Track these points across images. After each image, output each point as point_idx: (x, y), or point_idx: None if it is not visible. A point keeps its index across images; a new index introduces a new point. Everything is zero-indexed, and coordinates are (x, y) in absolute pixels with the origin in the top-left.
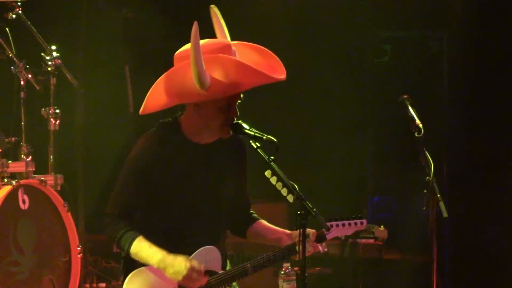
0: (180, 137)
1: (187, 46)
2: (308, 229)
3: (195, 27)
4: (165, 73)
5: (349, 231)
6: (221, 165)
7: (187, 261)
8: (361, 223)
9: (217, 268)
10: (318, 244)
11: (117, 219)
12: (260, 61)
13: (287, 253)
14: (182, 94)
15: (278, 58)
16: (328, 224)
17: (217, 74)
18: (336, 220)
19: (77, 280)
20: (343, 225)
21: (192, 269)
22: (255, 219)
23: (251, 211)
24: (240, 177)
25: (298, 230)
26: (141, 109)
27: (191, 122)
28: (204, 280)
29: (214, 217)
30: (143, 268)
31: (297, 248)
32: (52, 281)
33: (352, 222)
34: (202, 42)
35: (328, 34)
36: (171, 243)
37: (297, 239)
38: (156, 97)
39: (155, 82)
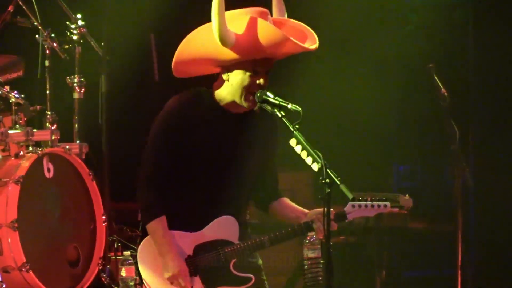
0: (211, 101)
1: (226, 12)
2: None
3: None
4: (192, 32)
5: (372, 212)
6: (251, 136)
7: (179, 268)
8: (385, 205)
9: (234, 238)
10: (335, 224)
11: (147, 185)
12: (292, 30)
13: (304, 230)
14: (209, 53)
15: (311, 30)
16: (350, 204)
17: (245, 35)
18: (359, 200)
19: (102, 248)
20: (366, 206)
21: (178, 276)
22: (279, 196)
23: (278, 188)
24: (270, 153)
25: (315, 210)
26: (172, 68)
27: (222, 89)
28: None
29: (238, 187)
30: None
31: (313, 225)
32: (77, 249)
33: (375, 204)
34: (242, 9)
35: (353, 4)
36: (194, 208)
37: (313, 217)
38: (186, 57)
39: (183, 41)
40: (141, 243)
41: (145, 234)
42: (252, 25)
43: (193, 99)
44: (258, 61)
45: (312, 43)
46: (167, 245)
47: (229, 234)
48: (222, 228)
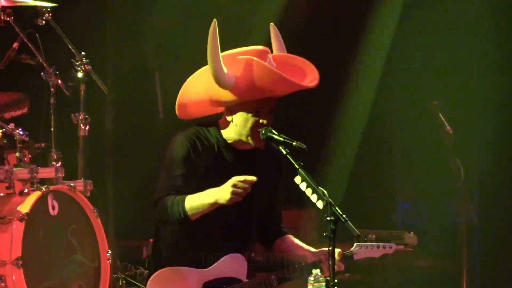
0: (218, 139)
1: (226, 52)
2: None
3: (213, 25)
4: (192, 75)
5: (377, 253)
6: (257, 173)
7: (228, 183)
8: (390, 247)
9: (242, 276)
10: (342, 264)
11: (162, 201)
12: (292, 68)
13: (311, 269)
14: (210, 95)
15: (312, 65)
16: (357, 245)
17: (243, 76)
18: (364, 239)
19: (107, 286)
20: (372, 247)
21: (232, 186)
22: (284, 233)
23: (282, 225)
24: (274, 190)
25: (322, 249)
26: (176, 111)
27: (228, 129)
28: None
29: (245, 224)
30: (166, 268)
31: (321, 265)
32: (81, 286)
33: (380, 245)
34: (243, 48)
35: (358, 39)
36: (202, 244)
37: (321, 257)
38: (188, 100)
39: (184, 84)
40: (150, 279)
41: (152, 270)
42: (249, 66)
43: (199, 133)
44: (259, 101)
45: (312, 79)
46: (208, 192)
47: (237, 271)
48: (231, 265)
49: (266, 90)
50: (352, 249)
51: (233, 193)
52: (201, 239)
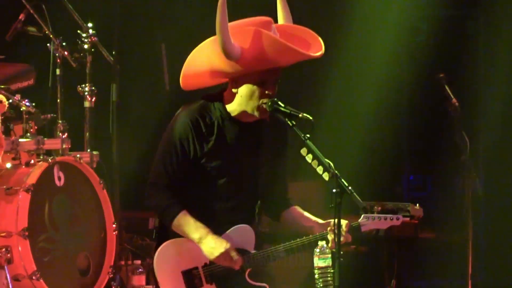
0: (222, 112)
1: (231, 23)
2: (342, 220)
3: None
4: (198, 46)
5: (384, 225)
6: (262, 145)
7: (227, 243)
8: (397, 218)
9: (250, 247)
10: (349, 235)
11: (161, 190)
12: (296, 38)
13: (318, 240)
14: (215, 67)
15: (316, 35)
16: (364, 216)
17: (249, 47)
18: (372, 213)
19: (112, 257)
20: (379, 218)
21: (229, 250)
22: (291, 205)
23: (288, 197)
24: (280, 161)
25: (330, 221)
26: (180, 82)
27: (232, 98)
28: (238, 263)
29: (252, 195)
30: (174, 239)
31: (329, 237)
32: (87, 257)
33: (388, 216)
34: (247, 19)
35: (366, 13)
36: (209, 217)
37: (328, 228)
38: (193, 71)
39: (189, 55)
40: (158, 250)
41: (160, 241)
42: (255, 37)
43: (205, 108)
44: (264, 72)
45: (317, 49)
46: (202, 228)
47: (245, 243)
48: (239, 237)
49: (272, 60)
50: (359, 220)
51: (219, 258)
52: (208, 212)
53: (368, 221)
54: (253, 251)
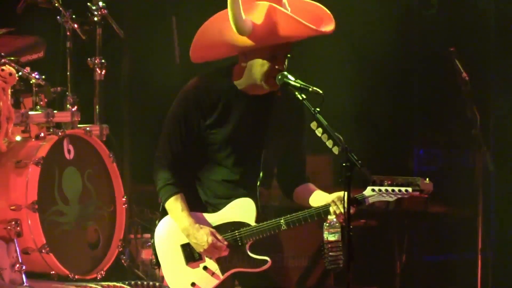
0: (229, 84)
1: None
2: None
3: None
4: (209, 19)
5: (392, 197)
6: (272, 119)
7: (209, 235)
8: (406, 190)
9: (251, 221)
10: (353, 208)
11: (164, 167)
12: (307, 14)
13: (322, 214)
14: (226, 40)
15: (327, 11)
16: (370, 188)
17: (261, 22)
18: (380, 183)
19: (122, 230)
20: (386, 191)
21: (213, 245)
22: (304, 181)
23: (304, 174)
24: (294, 136)
25: (334, 193)
26: (190, 54)
27: (241, 72)
28: (225, 252)
29: (252, 169)
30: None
31: (331, 209)
32: (97, 231)
33: (396, 189)
34: None
35: None
36: (212, 189)
37: (329, 200)
38: (204, 44)
39: (200, 28)
40: (159, 223)
41: (163, 214)
42: (267, 12)
43: (210, 82)
44: (275, 46)
45: (328, 25)
46: (186, 218)
47: (246, 216)
48: (240, 210)
49: (283, 36)
50: (364, 192)
51: (206, 254)
52: (211, 184)
53: (374, 193)
54: (253, 224)
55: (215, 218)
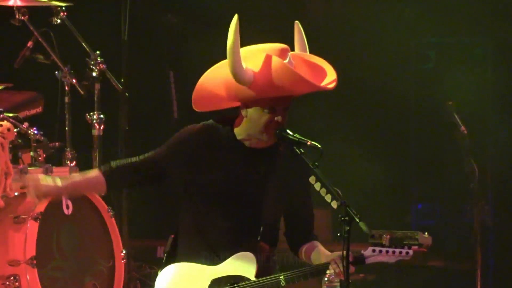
0: (228, 134)
1: (246, 47)
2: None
3: (235, 19)
4: (212, 68)
5: (392, 259)
6: (272, 174)
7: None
8: (407, 253)
9: (250, 275)
10: (353, 267)
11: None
12: (310, 69)
13: (321, 271)
14: (228, 89)
15: (330, 66)
16: (371, 248)
17: (262, 73)
18: (382, 245)
19: (121, 285)
20: (387, 252)
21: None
22: (311, 240)
23: (311, 231)
24: (298, 193)
25: (335, 252)
26: (192, 102)
27: (240, 123)
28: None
29: (250, 223)
30: (177, 263)
31: (330, 267)
32: (95, 286)
33: (397, 250)
34: (263, 44)
35: (373, 40)
36: (212, 241)
37: (329, 259)
38: (205, 93)
39: (202, 76)
40: (160, 272)
41: (165, 264)
42: (268, 63)
43: (210, 128)
44: (275, 99)
45: (330, 81)
46: (58, 179)
47: (246, 270)
48: (240, 264)
49: (284, 89)
50: (364, 252)
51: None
52: (211, 237)
53: (374, 254)
54: (253, 279)
55: (215, 270)
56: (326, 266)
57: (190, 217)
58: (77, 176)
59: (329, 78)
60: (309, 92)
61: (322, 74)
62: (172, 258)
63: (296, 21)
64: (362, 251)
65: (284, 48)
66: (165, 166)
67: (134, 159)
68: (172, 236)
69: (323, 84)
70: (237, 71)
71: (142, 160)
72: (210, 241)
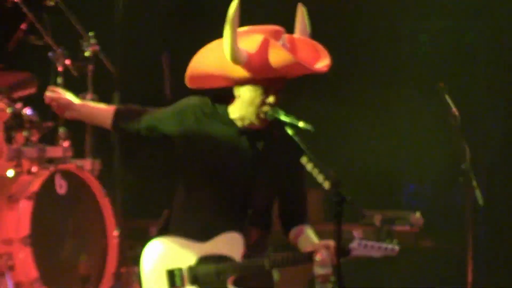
0: (223, 112)
1: (241, 28)
2: (330, 241)
3: (235, 2)
4: (208, 45)
5: (378, 253)
6: (265, 156)
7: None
8: (392, 249)
9: (237, 256)
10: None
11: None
12: (305, 51)
13: (306, 259)
14: (220, 69)
15: (324, 49)
16: (357, 241)
17: (256, 54)
18: (367, 239)
19: (114, 264)
20: (372, 247)
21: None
22: (302, 223)
23: (302, 214)
24: (291, 177)
25: (322, 241)
26: (186, 80)
27: (234, 104)
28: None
29: (246, 205)
30: (163, 238)
31: (315, 257)
32: (89, 265)
33: (383, 246)
34: (256, 26)
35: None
36: (201, 218)
37: (316, 247)
38: (199, 71)
39: (196, 55)
40: (147, 246)
41: (159, 235)
42: (263, 45)
43: (207, 104)
44: (269, 80)
45: (324, 64)
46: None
47: (232, 250)
48: (227, 244)
49: (277, 70)
50: (351, 244)
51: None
52: (200, 214)
53: (360, 247)
54: (238, 260)
55: (202, 248)
56: (310, 254)
57: (182, 193)
58: (93, 103)
59: (323, 60)
60: (302, 74)
61: (316, 56)
62: (164, 232)
63: (299, 3)
64: (350, 245)
65: (278, 29)
66: (167, 128)
67: (144, 109)
68: (166, 211)
69: (316, 67)
70: (232, 50)
71: (150, 113)
72: (200, 218)
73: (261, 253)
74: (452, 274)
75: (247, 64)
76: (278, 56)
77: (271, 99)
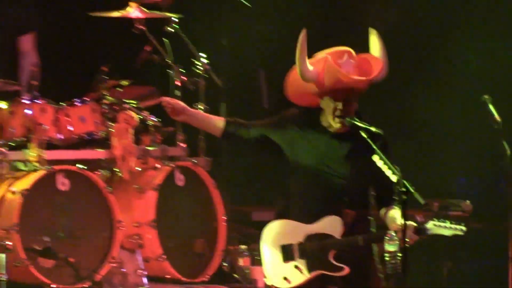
0: (316, 121)
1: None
2: (410, 223)
3: (303, 34)
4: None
5: (448, 232)
6: (351, 153)
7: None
8: (461, 230)
9: (337, 235)
10: (414, 236)
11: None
12: (361, 67)
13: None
14: (302, 86)
15: (379, 60)
16: (432, 223)
17: (321, 71)
18: (442, 220)
19: (224, 242)
20: (445, 227)
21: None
22: (388, 204)
23: (392, 196)
24: (371, 167)
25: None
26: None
27: (322, 113)
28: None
29: (337, 193)
30: (281, 220)
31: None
32: (203, 243)
33: (453, 226)
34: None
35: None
36: (308, 205)
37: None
38: (292, 90)
39: (289, 74)
40: (267, 225)
41: (277, 218)
42: (324, 63)
43: (304, 115)
44: (335, 91)
45: (375, 75)
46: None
47: (333, 230)
48: (329, 225)
49: (336, 83)
50: (427, 225)
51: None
52: (307, 201)
53: (435, 227)
54: (338, 238)
55: (309, 228)
56: (396, 232)
57: (293, 186)
58: (204, 112)
59: (373, 72)
60: (363, 85)
61: (368, 69)
62: (281, 215)
63: (370, 28)
64: (425, 225)
65: (343, 50)
66: (274, 135)
67: (250, 122)
68: (281, 200)
69: (371, 76)
70: (301, 70)
71: (257, 124)
72: (307, 205)
73: (361, 231)
74: (496, 250)
75: (316, 81)
76: (331, 72)
77: (339, 106)
